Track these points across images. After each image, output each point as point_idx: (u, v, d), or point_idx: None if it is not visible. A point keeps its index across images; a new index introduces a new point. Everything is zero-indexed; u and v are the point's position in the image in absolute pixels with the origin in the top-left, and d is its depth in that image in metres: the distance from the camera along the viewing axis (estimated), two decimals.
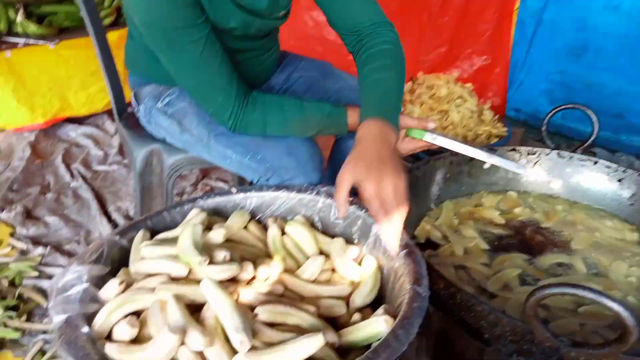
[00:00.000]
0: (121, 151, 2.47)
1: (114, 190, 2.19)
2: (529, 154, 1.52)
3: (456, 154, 1.32)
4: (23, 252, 1.78)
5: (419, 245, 1.25)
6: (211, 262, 0.84)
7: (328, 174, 1.68)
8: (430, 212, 1.38)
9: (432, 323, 1.04)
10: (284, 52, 1.53)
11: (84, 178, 2.25)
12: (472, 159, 1.51)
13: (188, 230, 0.87)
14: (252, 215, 1.09)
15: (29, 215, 1.99)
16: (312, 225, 1.09)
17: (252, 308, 0.81)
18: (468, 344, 0.94)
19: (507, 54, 2.66)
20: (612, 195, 1.43)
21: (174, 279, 0.83)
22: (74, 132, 2.61)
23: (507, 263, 1.17)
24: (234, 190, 1.09)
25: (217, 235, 0.91)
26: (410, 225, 1.31)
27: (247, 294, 0.83)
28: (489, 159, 1.17)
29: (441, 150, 1.31)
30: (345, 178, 0.91)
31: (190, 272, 0.84)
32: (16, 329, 1.46)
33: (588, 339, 0.97)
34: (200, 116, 1.25)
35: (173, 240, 0.89)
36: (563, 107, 1.56)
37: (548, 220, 1.37)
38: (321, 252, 1.02)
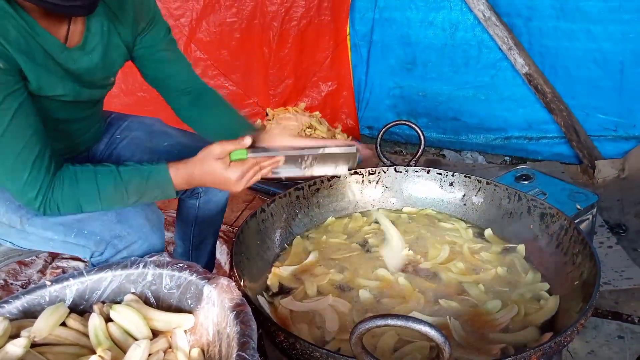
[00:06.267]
0: None
1: None
2: (369, 174, 1.58)
3: (301, 187, 1.32)
4: None
5: (273, 294, 1.22)
6: None
7: (178, 235, 1.59)
8: (282, 253, 1.36)
9: None
10: (107, 111, 1.41)
11: None
12: (318, 189, 1.54)
13: None
14: (75, 306, 0.98)
15: None
16: (145, 302, 1.01)
17: None
18: None
19: (349, 77, 2.79)
20: (448, 198, 1.53)
21: None
22: None
23: (355, 300, 1.17)
24: (47, 282, 0.97)
25: (17, 346, 0.79)
26: (260, 273, 1.27)
27: None
28: (320, 151, 1.12)
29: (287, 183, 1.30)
30: None
31: None
32: None
33: None
34: (7, 200, 1.10)
35: None
36: (391, 124, 1.66)
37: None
38: (155, 331, 0.94)
